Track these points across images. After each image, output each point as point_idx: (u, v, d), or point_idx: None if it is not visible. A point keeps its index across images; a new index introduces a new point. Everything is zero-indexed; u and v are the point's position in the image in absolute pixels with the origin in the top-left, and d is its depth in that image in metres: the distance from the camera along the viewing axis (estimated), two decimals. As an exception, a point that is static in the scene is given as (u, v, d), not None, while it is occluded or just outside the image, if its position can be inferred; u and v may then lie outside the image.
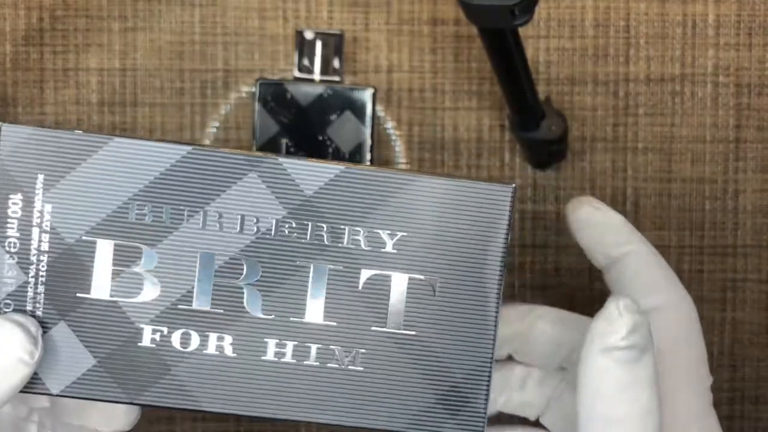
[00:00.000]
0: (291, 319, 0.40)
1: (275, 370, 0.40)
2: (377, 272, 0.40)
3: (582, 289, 0.73)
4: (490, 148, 0.73)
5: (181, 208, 0.39)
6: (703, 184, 0.73)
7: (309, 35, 0.70)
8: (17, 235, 0.39)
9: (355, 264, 0.40)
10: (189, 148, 0.39)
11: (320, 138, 0.70)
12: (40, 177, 0.39)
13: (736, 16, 0.73)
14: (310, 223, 0.39)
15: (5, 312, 0.40)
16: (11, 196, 0.39)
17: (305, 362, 0.40)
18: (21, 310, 0.40)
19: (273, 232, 0.39)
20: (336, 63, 0.70)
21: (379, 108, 0.72)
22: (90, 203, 0.39)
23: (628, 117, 0.73)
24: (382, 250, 0.40)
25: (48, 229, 0.39)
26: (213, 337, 0.40)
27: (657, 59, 0.73)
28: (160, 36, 0.73)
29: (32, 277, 0.39)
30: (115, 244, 0.39)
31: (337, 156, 0.70)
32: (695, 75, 0.73)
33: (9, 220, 0.39)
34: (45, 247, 0.39)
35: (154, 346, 0.40)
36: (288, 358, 0.40)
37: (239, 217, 0.39)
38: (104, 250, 0.39)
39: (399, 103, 0.73)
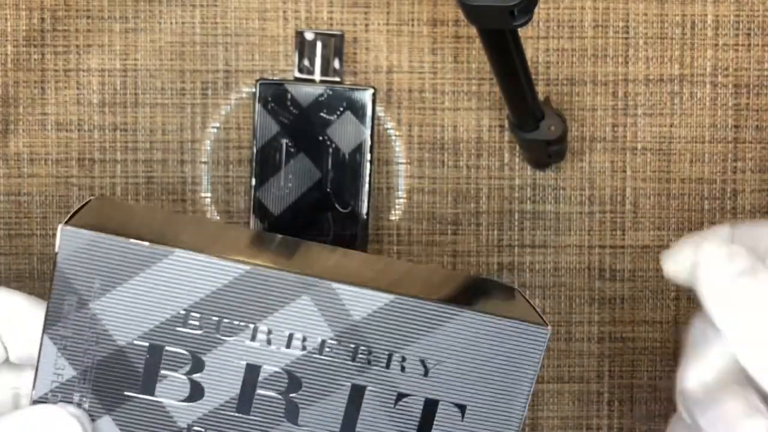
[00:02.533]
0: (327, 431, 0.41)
1: None
2: (412, 395, 0.41)
3: (581, 289, 0.73)
4: (489, 149, 0.73)
5: (234, 322, 0.40)
6: (701, 184, 0.73)
7: (309, 36, 0.70)
8: (70, 333, 0.40)
9: (393, 387, 0.41)
10: (248, 268, 0.40)
11: (320, 138, 0.70)
12: (97, 282, 0.39)
13: (734, 16, 0.73)
14: (354, 346, 0.40)
15: (54, 403, 0.41)
16: (66, 297, 0.40)
17: None
18: (68, 401, 0.41)
19: (319, 351, 0.40)
20: (336, 63, 0.70)
21: (379, 108, 0.73)
22: (144, 310, 0.40)
23: (627, 117, 0.73)
24: (420, 375, 0.41)
25: (100, 331, 0.40)
26: None
27: (656, 60, 0.73)
28: (160, 37, 0.73)
29: (81, 372, 0.40)
30: (166, 350, 0.40)
31: (337, 156, 0.70)
32: (694, 75, 0.73)
33: (62, 319, 0.40)
34: (95, 346, 0.40)
35: None
36: None
37: (288, 334, 0.40)
38: (155, 354, 0.40)
39: (399, 103, 0.73)
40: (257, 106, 0.70)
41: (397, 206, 0.73)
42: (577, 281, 0.73)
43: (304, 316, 0.40)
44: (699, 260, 0.42)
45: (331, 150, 0.71)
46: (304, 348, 0.40)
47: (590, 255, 0.73)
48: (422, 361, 0.41)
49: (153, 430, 0.41)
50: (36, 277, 0.73)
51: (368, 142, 0.70)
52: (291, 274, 0.40)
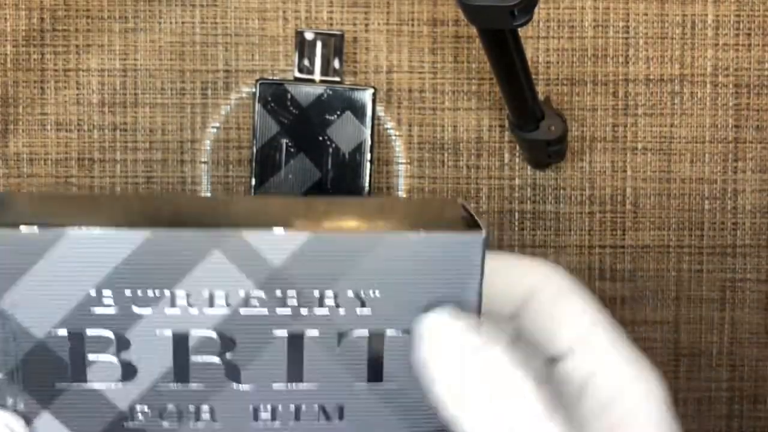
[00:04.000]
0: (273, 386, 0.40)
1: None
2: (354, 332, 0.40)
3: (581, 289, 0.73)
4: (489, 148, 0.73)
5: (148, 292, 0.38)
6: (702, 184, 0.73)
7: (309, 36, 0.70)
8: None
9: (331, 326, 0.39)
10: (147, 233, 0.38)
11: (320, 138, 0.70)
12: (1, 281, 0.38)
13: (735, 16, 0.73)
14: (280, 293, 0.39)
15: None
16: None
17: (291, 423, 0.40)
18: (2, 406, 0.39)
19: (244, 305, 0.38)
20: (336, 63, 0.70)
21: (379, 108, 0.73)
22: (54, 298, 0.38)
23: (628, 117, 0.73)
24: (357, 310, 0.39)
25: (16, 328, 0.39)
26: (198, 409, 0.40)
27: (656, 60, 0.73)
28: (160, 37, 0.73)
29: (7, 374, 0.39)
30: (87, 334, 0.38)
31: (337, 156, 0.70)
32: (694, 75, 0.73)
33: None
34: (14, 344, 0.39)
35: (141, 426, 0.40)
36: (276, 424, 0.40)
37: (208, 294, 0.38)
38: (76, 340, 0.39)
39: (399, 103, 0.73)
40: (257, 106, 0.70)
41: (397, 206, 0.73)
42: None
43: (220, 273, 0.38)
44: (423, 333, 0.38)
45: (331, 150, 0.71)
46: (228, 305, 0.38)
47: (590, 255, 0.73)
48: (356, 294, 0.39)
49: (95, 418, 0.40)
50: (36, 277, 0.73)
51: (368, 142, 0.70)
52: (194, 231, 0.38)
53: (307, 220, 0.40)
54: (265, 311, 0.39)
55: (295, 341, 0.39)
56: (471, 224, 0.39)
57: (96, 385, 0.39)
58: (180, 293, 0.38)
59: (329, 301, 0.39)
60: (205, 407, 0.39)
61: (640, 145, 0.73)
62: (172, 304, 0.38)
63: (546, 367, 0.42)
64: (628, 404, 0.39)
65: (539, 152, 0.70)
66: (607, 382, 0.40)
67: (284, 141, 0.71)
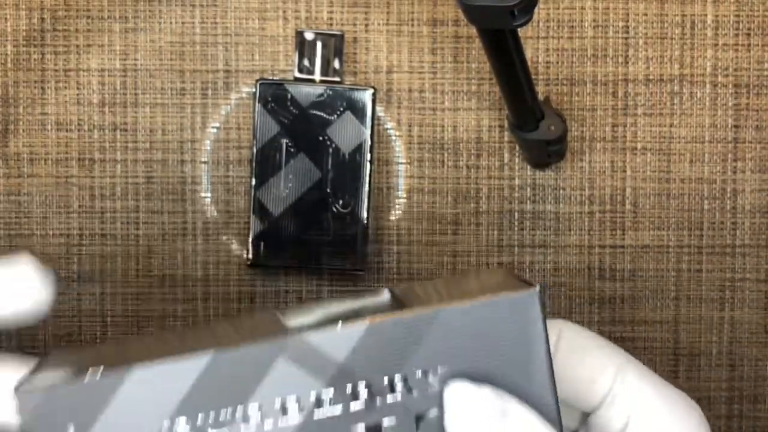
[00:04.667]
0: None
1: None
2: (430, 412, 0.39)
3: (581, 289, 0.73)
4: (489, 149, 0.73)
5: (221, 413, 0.37)
6: (701, 184, 0.73)
7: (309, 36, 0.70)
8: None
9: (407, 411, 0.38)
10: (210, 356, 0.37)
11: (320, 138, 0.70)
12: (71, 430, 0.36)
13: (734, 16, 0.73)
14: (350, 387, 0.38)
15: None
16: None
17: None
18: None
19: (317, 407, 0.38)
20: (336, 63, 0.70)
21: (378, 108, 0.73)
22: None
23: (627, 117, 0.73)
24: (429, 389, 0.39)
25: None
26: None
27: (656, 60, 0.73)
28: (160, 36, 0.73)
29: None
30: None
31: (337, 156, 0.70)
32: (694, 75, 0.73)
33: None
34: None
35: None
36: None
37: (280, 403, 0.37)
38: None
39: (399, 103, 0.73)
40: (257, 106, 0.70)
41: (397, 206, 0.73)
42: (576, 281, 0.73)
43: (288, 379, 0.37)
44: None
45: (331, 150, 0.71)
46: (301, 410, 0.38)
47: (590, 255, 0.73)
48: (424, 373, 0.39)
49: None
50: (36, 277, 0.73)
51: (368, 142, 0.70)
52: (256, 344, 0.38)
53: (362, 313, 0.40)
54: (338, 409, 0.38)
55: None
56: (521, 285, 0.39)
57: None
58: (253, 408, 0.37)
59: (399, 386, 0.38)
60: None
61: (639, 145, 0.73)
62: (246, 421, 0.37)
63: (581, 420, 0.42)
64: None
65: (539, 152, 0.70)
66: (649, 426, 0.39)
67: (284, 141, 0.71)
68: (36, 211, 0.73)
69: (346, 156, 0.71)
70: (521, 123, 0.66)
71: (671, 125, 0.73)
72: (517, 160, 0.73)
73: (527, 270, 0.73)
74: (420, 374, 0.38)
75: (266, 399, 0.37)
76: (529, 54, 0.72)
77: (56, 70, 0.73)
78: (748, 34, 0.73)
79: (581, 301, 0.73)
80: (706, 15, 0.73)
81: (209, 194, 0.73)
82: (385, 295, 0.43)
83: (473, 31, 0.69)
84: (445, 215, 0.73)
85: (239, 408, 0.37)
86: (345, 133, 0.71)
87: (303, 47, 0.70)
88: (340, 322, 0.38)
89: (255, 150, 0.71)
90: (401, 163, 0.73)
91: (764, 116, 0.73)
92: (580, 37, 0.73)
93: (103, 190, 0.73)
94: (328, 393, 0.37)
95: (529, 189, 0.73)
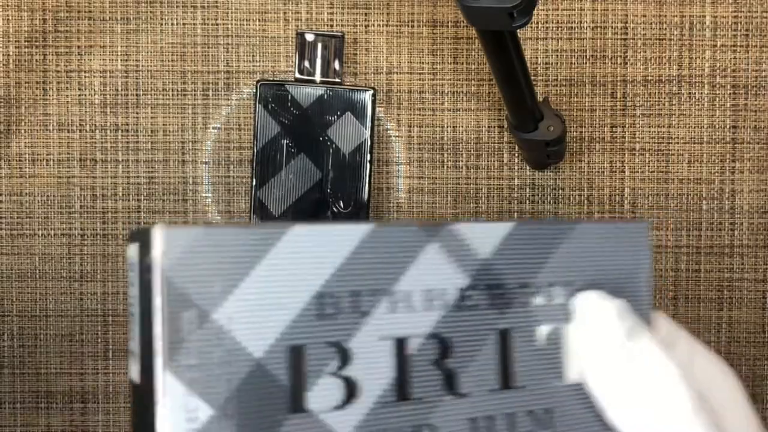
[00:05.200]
0: (488, 391, 0.37)
1: None
2: (552, 326, 0.39)
3: (580, 289, 0.74)
4: (488, 149, 0.73)
5: (370, 295, 0.35)
6: (700, 185, 0.74)
7: (309, 37, 0.71)
8: (195, 361, 0.32)
9: (532, 321, 0.38)
10: (371, 226, 0.35)
11: (321, 139, 0.71)
12: (217, 284, 0.33)
13: (733, 17, 0.73)
14: (490, 286, 0.37)
15: None
16: (184, 314, 0.32)
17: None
18: None
19: (460, 302, 0.37)
20: (336, 64, 0.71)
21: (379, 109, 0.73)
22: (275, 306, 0.34)
23: (626, 118, 0.73)
24: (554, 302, 0.39)
25: (232, 346, 0.33)
26: (420, 430, 0.36)
27: (654, 61, 0.73)
28: (162, 38, 0.73)
29: (220, 408, 0.33)
30: (309, 348, 0.34)
31: (337, 156, 0.71)
32: (692, 76, 0.73)
33: (185, 345, 0.32)
34: (230, 368, 0.33)
35: None
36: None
37: (426, 292, 0.36)
38: (298, 357, 0.34)
39: (399, 104, 0.73)
40: (258, 106, 0.71)
41: (397, 206, 0.74)
42: (575, 281, 0.73)
43: (436, 268, 0.36)
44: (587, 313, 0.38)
45: (331, 150, 0.71)
46: (445, 303, 0.36)
47: (589, 255, 0.73)
48: (552, 285, 0.38)
49: None
50: (38, 276, 0.73)
51: (368, 143, 0.71)
52: (413, 225, 0.36)
53: None
54: (478, 307, 0.37)
55: (504, 339, 0.38)
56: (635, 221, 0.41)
57: (317, 414, 0.35)
58: (399, 293, 0.36)
59: (531, 294, 0.38)
60: (427, 424, 0.36)
61: (638, 146, 0.73)
62: (393, 307, 0.36)
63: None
64: (723, 395, 0.40)
65: (538, 153, 0.70)
66: (703, 374, 0.40)
67: (285, 141, 0.71)
68: (38, 211, 0.73)
69: (346, 156, 0.71)
70: (520, 124, 0.67)
71: (670, 126, 0.73)
72: (516, 160, 0.73)
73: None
74: (548, 285, 0.38)
75: (413, 287, 0.36)
76: (528, 55, 0.73)
77: (58, 71, 0.73)
78: (747, 35, 0.73)
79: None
80: (704, 16, 0.73)
81: (210, 194, 0.73)
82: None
83: (473, 32, 0.69)
84: (445, 215, 0.73)
85: (387, 291, 0.36)
86: (345, 133, 0.71)
87: (303, 48, 0.71)
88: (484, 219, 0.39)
89: (255, 150, 0.71)
90: (401, 164, 0.73)
91: (762, 117, 0.73)
92: (579, 39, 0.73)
93: (104, 191, 0.73)
94: (471, 290, 0.37)
95: (528, 189, 0.74)
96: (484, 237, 0.37)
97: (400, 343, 0.35)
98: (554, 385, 0.38)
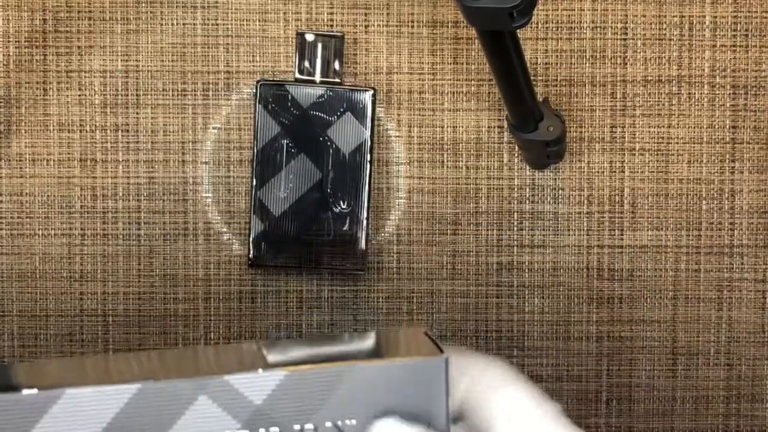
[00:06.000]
0: None
1: None
2: None
3: (580, 289, 0.74)
4: (488, 149, 0.73)
5: None
6: (699, 185, 0.74)
7: (310, 37, 0.71)
8: None
9: None
10: (138, 385, 0.38)
11: (321, 139, 0.71)
12: None
13: (732, 17, 0.73)
14: (263, 430, 0.40)
15: None
16: None
17: None
18: None
19: None
20: (336, 65, 0.71)
21: (379, 109, 0.73)
22: None
23: (626, 118, 0.73)
24: None
25: None
26: None
27: (654, 61, 0.73)
28: (162, 38, 0.73)
29: None
30: None
31: (337, 156, 0.71)
32: (692, 76, 0.73)
33: None
34: None
35: None
36: None
37: None
38: None
39: (399, 104, 0.73)
40: (258, 107, 0.71)
41: (397, 206, 0.74)
42: (575, 281, 0.73)
43: (207, 417, 0.39)
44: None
45: (331, 150, 0.71)
46: None
47: (588, 255, 0.74)
48: (333, 424, 0.40)
49: None
50: (38, 276, 0.73)
51: (368, 143, 0.71)
52: (182, 379, 0.39)
53: (283, 358, 0.42)
54: None
55: None
56: (435, 350, 0.41)
57: None
58: None
59: None
60: None
61: (638, 146, 0.73)
62: None
63: None
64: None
65: (538, 153, 0.70)
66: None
67: (285, 142, 0.71)
68: (38, 211, 0.73)
69: (347, 156, 0.71)
70: (520, 124, 0.67)
71: (669, 126, 0.74)
72: (516, 160, 0.74)
73: (526, 270, 0.74)
74: (329, 424, 0.40)
75: None
76: (528, 55, 0.73)
77: (58, 71, 0.73)
78: (746, 35, 0.73)
79: (580, 300, 0.74)
80: (704, 16, 0.73)
81: (210, 194, 0.74)
82: (369, 341, 0.45)
83: (473, 32, 0.69)
84: (444, 215, 0.74)
85: None
86: (345, 133, 0.71)
87: (303, 48, 0.71)
88: (261, 368, 0.39)
89: (256, 150, 0.71)
90: (401, 164, 0.73)
91: (762, 117, 0.74)
92: (579, 39, 0.73)
93: (104, 191, 0.73)
94: None
95: (528, 189, 0.74)
96: (255, 386, 0.39)
97: None
98: None
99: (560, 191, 0.74)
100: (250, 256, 0.72)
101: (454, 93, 0.73)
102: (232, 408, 0.39)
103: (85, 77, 0.73)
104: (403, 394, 0.40)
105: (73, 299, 0.74)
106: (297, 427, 0.39)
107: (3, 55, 0.73)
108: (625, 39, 0.73)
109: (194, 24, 0.73)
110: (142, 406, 0.39)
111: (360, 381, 0.40)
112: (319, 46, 0.70)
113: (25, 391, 0.38)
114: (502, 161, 0.73)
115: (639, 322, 0.74)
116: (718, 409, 0.73)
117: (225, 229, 0.74)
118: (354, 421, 0.40)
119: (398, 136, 0.73)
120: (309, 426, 0.40)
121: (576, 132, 0.73)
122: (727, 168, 0.73)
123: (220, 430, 0.39)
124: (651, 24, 0.73)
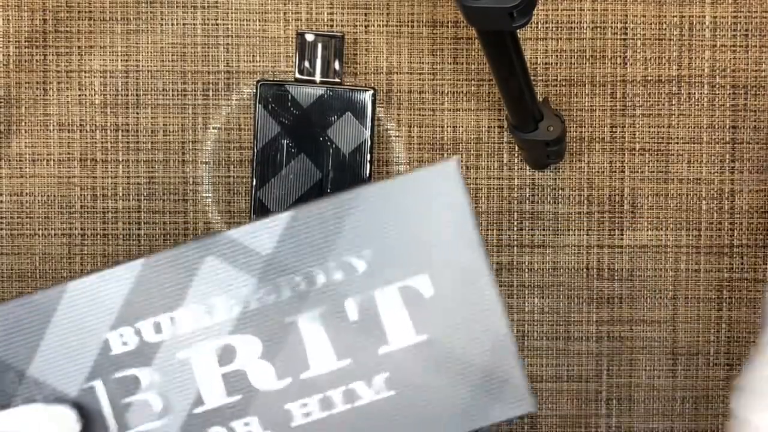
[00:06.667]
0: (302, 376, 0.39)
1: (309, 430, 0.39)
2: (361, 297, 0.39)
3: (580, 289, 0.74)
4: (488, 149, 0.74)
5: (158, 318, 0.38)
6: (699, 185, 0.74)
7: (310, 37, 0.71)
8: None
9: (338, 298, 0.39)
10: (141, 261, 0.38)
11: (321, 139, 0.71)
12: (21, 347, 0.38)
13: (732, 17, 0.74)
14: (280, 279, 0.38)
15: None
16: (4, 376, 0.38)
17: (335, 411, 0.39)
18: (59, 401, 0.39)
19: (251, 302, 0.39)
20: (336, 65, 0.71)
21: (379, 109, 0.73)
22: (76, 352, 0.38)
23: (626, 118, 0.74)
24: (356, 274, 0.39)
25: (48, 391, 0.39)
26: (239, 424, 0.39)
27: (654, 61, 0.73)
28: (162, 38, 0.73)
29: None
30: (114, 380, 0.39)
31: (337, 156, 0.71)
32: (692, 76, 0.73)
33: (9, 399, 0.39)
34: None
35: None
36: (316, 415, 0.39)
37: (214, 301, 0.39)
38: (104, 389, 0.39)
39: (399, 104, 0.73)
40: (258, 107, 0.71)
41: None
42: (575, 281, 0.74)
43: (218, 277, 0.39)
44: None
45: (331, 150, 0.71)
46: (235, 306, 0.39)
47: (588, 255, 0.74)
48: (349, 259, 0.39)
49: None
50: (38, 276, 0.73)
51: (368, 143, 0.71)
52: (183, 246, 0.39)
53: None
54: (272, 300, 0.38)
55: (311, 323, 0.38)
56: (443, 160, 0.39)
57: (140, 429, 0.39)
58: (188, 309, 0.38)
59: (326, 273, 0.38)
60: (245, 420, 0.39)
61: (638, 146, 0.73)
62: (185, 323, 0.38)
63: None
64: None
65: (538, 153, 0.70)
66: None
67: (285, 141, 0.71)
68: (38, 211, 0.73)
69: (347, 156, 0.71)
70: (520, 124, 0.67)
71: (669, 126, 0.74)
72: (516, 160, 0.74)
73: (526, 269, 0.74)
74: (345, 259, 0.38)
75: (200, 299, 0.38)
76: (528, 55, 0.73)
77: (58, 71, 0.73)
78: (746, 36, 0.73)
79: (580, 300, 0.74)
80: (704, 16, 0.73)
81: (210, 194, 0.74)
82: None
83: (473, 32, 0.69)
84: (444, 215, 0.74)
85: (175, 311, 0.38)
86: (345, 133, 0.71)
87: (303, 49, 0.71)
88: (263, 218, 0.39)
89: (256, 150, 0.71)
90: (401, 164, 0.73)
91: (762, 117, 0.74)
92: (579, 39, 0.73)
93: (104, 191, 0.73)
94: (260, 285, 0.38)
95: (528, 189, 0.74)
96: (260, 236, 0.38)
97: (199, 353, 0.38)
98: (379, 352, 0.39)
99: (560, 191, 0.74)
100: (250, 256, 0.72)
101: (454, 93, 0.73)
102: (242, 263, 0.38)
103: (85, 77, 0.73)
104: (417, 209, 0.38)
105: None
106: (314, 269, 0.39)
107: (3, 55, 0.73)
108: (625, 39, 0.73)
109: (194, 24, 0.73)
110: (150, 281, 0.38)
111: (368, 207, 0.38)
112: (319, 46, 0.70)
113: (29, 296, 0.39)
114: (502, 161, 0.73)
115: (639, 322, 0.74)
116: (718, 409, 0.73)
117: (225, 229, 0.73)
118: (370, 249, 0.39)
119: (398, 136, 0.73)
120: (325, 265, 0.39)
121: (576, 132, 0.73)
122: (727, 168, 0.74)
123: (236, 288, 0.38)
124: (651, 24, 0.73)
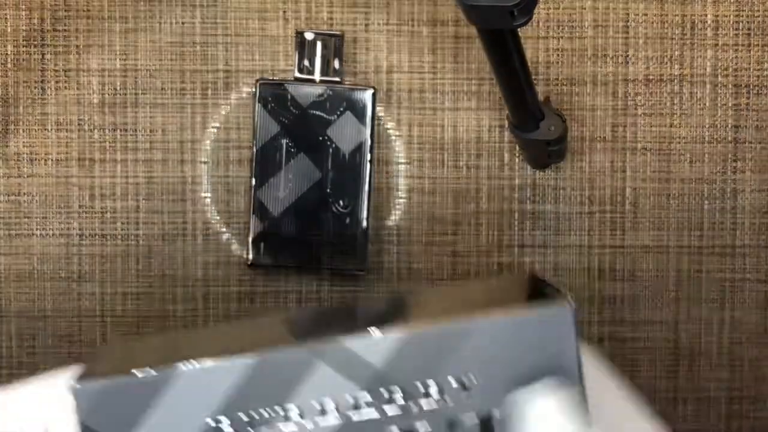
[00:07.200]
0: None
1: None
2: (462, 417, 0.39)
3: (581, 289, 0.73)
4: (489, 149, 0.73)
5: (262, 413, 0.39)
6: (701, 185, 0.73)
7: (309, 36, 0.70)
8: None
9: (440, 416, 0.39)
10: (254, 358, 0.38)
11: (320, 138, 0.71)
12: (123, 425, 0.38)
13: (734, 16, 0.73)
14: (385, 392, 0.39)
15: None
16: None
17: None
18: None
19: (354, 410, 0.39)
20: (336, 64, 0.70)
21: (379, 108, 0.73)
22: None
23: (627, 117, 0.73)
24: (461, 396, 0.39)
25: None
26: None
27: (656, 60, 0.73)
28: (160, 37, 0.73)
29: None
30: None
31: (337, 156, 0.71)
32: (694, 75, 0.73)
33: None
34: None
35: None
36: None
37: (318, 405, 0.39)
38: None
39: (399, 103, 0.73)
40: (257, 106, 0.70)
41: (397, 206, 0.73)
42: (576, 281, 0.73)
43: (327, 383, 0.39)
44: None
45: (331, 150, 0.71)
46: (339, 413, 0.39)
47: (590, 255, 0.73)
48: (457, 380, 0.39)
49: None
50: (36, 277, 0.73)
51: (368, 142, 0.71)
52: (297, 347, 0.39)
53: (399, 317, 0.41)
54: (375, 412, 0.39)
55: None
56: (552, 295, 0.39)
57: None
58: (292, 408, 0.38)
59: (433, 391, 0.39)
60: None
61: (639, 145, 0.73)
62: (286, 420, 0.38)
63: None
64: None
65: (539, 152, 0.70)
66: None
67: (284, 141, 0.71)
68: (36, 211, 0.73)
69: (346, 156, 0.71)
70: (521, 123, 0.66)
71: (671, 125, 0.73)
72: (517, 160, 0.73)
73: (526, 270, 0.73)
74: (452, 380, 0.39)
75: (305, 401, 0.38)
76: (529, 54, 0.72)
77: (56, 70, 0.73)
78: (748, 34, 0.73)
79: (581, 301, 0.73)
80: (706, 15, 0.73)
81: (209, 194, 0.73)
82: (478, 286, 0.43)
83: (473, 31, 0.69)
84: (445, 215, 0.73)
85: (279, 409, 0.38)
86: (345, 133, 0.71)
87: (303, 47, 0.70)
88: (376, 329, 0.39)
89: (255, 150, 0.71)
90: (401, 164, 0.73)
91: (764, 116, 0.73)
92: (580, 37, 0.73)
93: (103, 190, 0.73)
94: (366, 396, 0.38)
95: (529, 189, 0.73)
96: (374, 349, 0.39)
97: None
98: None
99: (561, 191, 0.73)
100: (250, 256, 0.71)
101: (454, 92, 0.73)
102: (352, 372, 0.39)
103: (84, 76, 0.73)
104: (527, 344, 0.39)
105: (72, 300, 0.73)
106: (420, 386, 0.39)
107: (1, 54, 0.73)
108: (626, 38, 0.73)
109: (193, 23, 0.73)
110: (260, 376, 0.38)
111: (481, 336, 0.39)
112: (319, 44, 0.70)
113: (138, 372, 0.38)
114: (503, 161, 0.73)
115: (640, 322, 0.73)
116: (721, 410, 0.73)
117: (224, 229, 0.73)
118: (477, 377, 0.39)
119: (398, 136, 0.73)
120: (431, 383, 0.39)
121: (577, 131, 0.73)
122: (729, 167, 0.73)
123: (342, 395, 0.39)
124: (653, 23, 0.73)
